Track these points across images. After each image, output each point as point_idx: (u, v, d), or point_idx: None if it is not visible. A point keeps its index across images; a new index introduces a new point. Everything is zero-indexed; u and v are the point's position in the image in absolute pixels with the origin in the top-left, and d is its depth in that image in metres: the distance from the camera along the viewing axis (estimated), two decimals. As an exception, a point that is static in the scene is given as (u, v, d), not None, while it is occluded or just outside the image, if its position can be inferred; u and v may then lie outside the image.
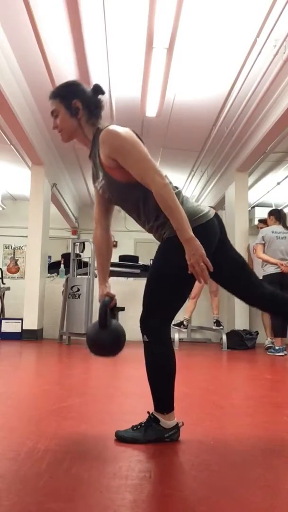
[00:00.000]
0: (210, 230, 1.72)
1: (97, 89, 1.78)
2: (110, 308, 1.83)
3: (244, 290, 1.89)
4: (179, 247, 1.59)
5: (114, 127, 1.67)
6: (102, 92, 1.78)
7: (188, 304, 5.78)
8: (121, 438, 1.71)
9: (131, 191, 1.71)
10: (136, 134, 1.71)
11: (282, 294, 1.92)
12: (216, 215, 1.79)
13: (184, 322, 5.93)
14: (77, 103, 1.73)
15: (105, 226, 1.94)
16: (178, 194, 1.70)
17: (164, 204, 1.59)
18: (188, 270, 1.59)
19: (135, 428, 1.73)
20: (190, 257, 1.57)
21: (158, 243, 1.81)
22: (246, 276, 1.87)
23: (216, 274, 1.70)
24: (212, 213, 1.75)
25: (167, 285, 1.68)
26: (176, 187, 1.73)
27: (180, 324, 5.85)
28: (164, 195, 1.58)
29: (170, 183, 1.67)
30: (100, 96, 1.79)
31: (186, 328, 6.22)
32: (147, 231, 1.84)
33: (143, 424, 1.73)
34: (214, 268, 1.61)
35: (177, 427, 1.73)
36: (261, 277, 5.51)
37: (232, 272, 1.85)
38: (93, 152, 1.78)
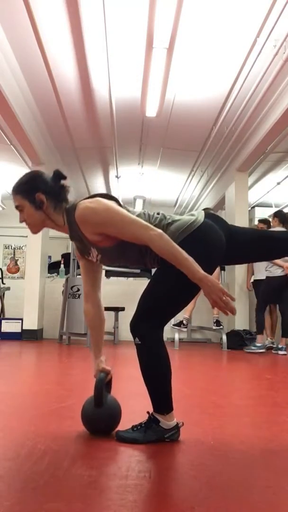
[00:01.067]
0: (207, 231, 1.71)
1: (58, 176, 1.77)
2: (105, 383, 1.84)
3: (277, 251, 1.90)
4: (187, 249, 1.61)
5: (85, 205, 1.67)
6: (64, 178, 1.77)
7: None
8: (122, 439, 1.71)
9: (130, 246, 1.70)
10: (105, 196, 1.71)
11: None
12: (211, 215, 1.79)
13: (184, 322, 5.93)
14: (40, 196, 1.71)
15: (97, 299, 1.94)
16: (163, 218, 1.73)
17: (166, 253, 1.60)
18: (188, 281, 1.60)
19: (135, 429, 1.73)
20: (210, 295, 1.58)
21: None
22: (270, 242, 1.87)
23: (244, 259, 1.72)
24: (201, 216, 1.75)
25: (165, 295, 1.70)
26: (158, 213, 1.76)
27: (180, 324, 5.85)
28: (164, 245, 1.59)
29: (153, 215, 1.72)
30: (62, 181, 1.77)
31: (186, 328, 6.22)
32: (151, 267, 1.82)
33: (143, 425, 1.73)
34: (239, 258, 1.64)
35: (177, 427, 1.73)
36: (261, 279, 5.53)
37: (256, 250, 1.87)
38: (73, 232, 1.76)
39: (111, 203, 1.68)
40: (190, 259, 1.58)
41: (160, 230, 1.61)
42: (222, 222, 1.81)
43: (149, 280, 1.81)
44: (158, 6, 3.41)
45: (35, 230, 1.80)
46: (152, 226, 1.63)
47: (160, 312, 1.72)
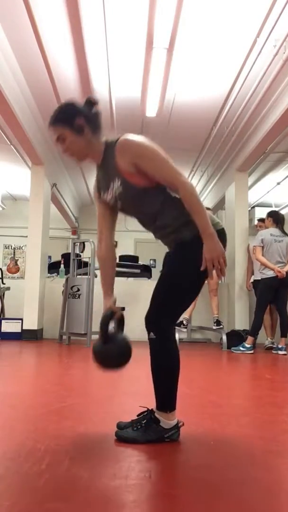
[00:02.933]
0: (223, 240, 1.80)
1: (91, 101, 1.79)
2: (118, 321, 1.84)
3: None
4: (196, 251, 1.66)
5: (132, 136, 1.72)
6: (96, 103, 1.80)
7: None
8: (121, 438, 1.72)
9: (149, 196, 1.75)
10: None
11: None
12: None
13: (184, 322, 5.93)
14: (80, 120, 1.73)
15: (110, 241, 1.95)
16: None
17: (190, 202, 1.67)
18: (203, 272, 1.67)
19: (135, 428, 1.73)
20: (209, 251, 1.65)
21: (159, 242, 1.87)
22: None
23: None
24: (222, 225, 1.85)
25: (184, 287, 1.74)
26: None
27: (179, 324, 5.85)
28: (193, 193, 1.68)
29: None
30: (95, 108, 1.80)
31: (186, 328, 6.22)
32: (157, 237, 1.87)
33: (143, 424, 1.73)
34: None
35: (177, 427, 1.73)
36: (259, 279, 5.54)
37: None
38: (104, 162, 1.79)
39: (155, 145, 1.74)
40: (208, 214, 1.68)
41: (193, 185, 1.70)
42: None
43: (161, 275, 1.81)
44: (158, 6, 3.41)
45: (80, 158, 1.80)
46: (185, 176, 1.69)
47: (175, 306, 1.76)
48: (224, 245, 1.78)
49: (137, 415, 1.78)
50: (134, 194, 1.76)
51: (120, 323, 1.86)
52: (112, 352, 1.80)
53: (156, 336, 1.70)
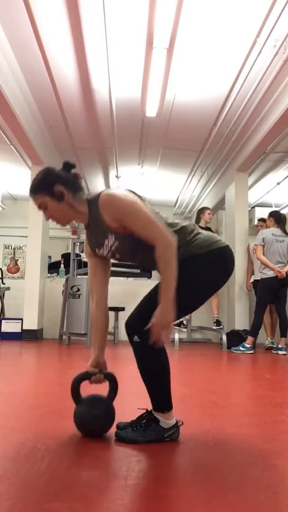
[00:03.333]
0: (227, 255, 1.80)
1: (67, 166, 1.80)
2: (110, 383, 1.84)
3: None
4: (197, 269, 1.70)
5: (112, 192, 1.70)
6: (73, 166, 1.81)
7: None
8: (121, 439, 1.71)
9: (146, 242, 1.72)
10: (134, 193, 1.73)
11: None
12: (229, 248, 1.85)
13: (184, 322, 5.92)
14: (59, 187, 1.73)
15: (104, 302, 1.93)
16: (194, 229, 1.78)
17: (164, 263, 1.59)
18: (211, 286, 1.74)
19: (134, 428, 1.73)
20: (162, 315, 1.57)
21: None
22: None
23: None
24: (224, 242, 1.83)
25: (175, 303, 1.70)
26: (190, 224, 1.81)
27: (179, 324, 5.84)
28: (168, 255, 1.58)
29: (184, 226, 1.76)
30: (73, 170, 1.81)
31: (186, 328, 6.22)
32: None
33: (143, 424, 1.73)
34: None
35: (176, 426, 1.74)
36: (259, 279, 5.54)
37: None
38: (92, 221, 1.77)
39: (137, 198, 1.70)
40: (174, 285, 1.58)
41: (173, 242, 1.60)
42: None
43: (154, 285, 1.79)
44: (158, 6, 3.41)
45: (64, 223, 1.81)
46: (168, 234, 1.62)
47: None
48: (229, 265, 1.79)
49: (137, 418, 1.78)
50: (131, 245, 1.74)
51: (113, 388, 1.84)
52: (81, 416, 1.78)
53: (140, 339, 1.67)
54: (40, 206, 1.76)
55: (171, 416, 1.73)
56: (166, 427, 1.71)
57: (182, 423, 1.76)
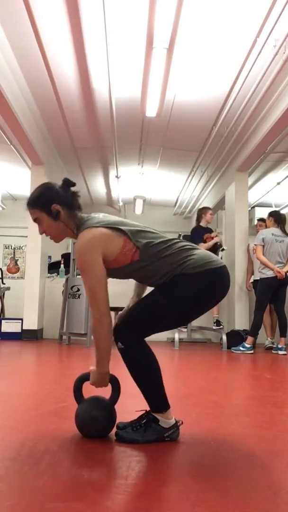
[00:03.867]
0: (221, 277, 1.78)
1: (67, 183, 1.80)
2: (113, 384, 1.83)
3: None
4: (190, 285, 1.69)
5: (81, 240, 1.67)
6: (73, 185, 1.81)
7: None
8: (121, 439, 1.72)
9: (137, 269, 1.75)
10: (111, 227, 1.70)
11: None
12: (225, 268, 1.83)
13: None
14: (56, 206, 1.75)
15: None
16: (176, 243, 1.76)
17: (94, 337, 1.69)
18: (191, 302, 1.72)
19: (134, 428, 1.73)
20: (94, 382, 1.75)
21: None
22: None
23: None
24: (220, 262, 1.81)
25: (162, 315, 1.73)
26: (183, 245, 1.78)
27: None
28: (97, 331, 1.67)
29: (174, 243, 1.75)
30: (72, 189, 1.81)
31: (186, 328, 6.22)
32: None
33: (142, 424, 1.73)
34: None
35: (176, 426, 1.74)
36: (258, 279, 5.54)
37: None
38: None
39: (95, 250, 1.65)
40: (107, 354, 1.69)
41: (104, 319, 1.65)
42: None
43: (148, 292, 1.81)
44: (158, 6, 3.41)
45: (57, 240, 1.85)
46: (104, 310, 1.66)
47: (147, 328, 1.74)
48: (221, 288, 1.78)
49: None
50: (121, 273, 1.78)
51: (115, 386, 1.84)
52: (80, 417, 1.78)
53: (124, 346, 1.69)
54: (35, 220, 1.80)
55: (170, 415, 1.74)
56: (166, 427, 1.72)
57: (182, 422, 1.77)
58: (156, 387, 1.73)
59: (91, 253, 1.65)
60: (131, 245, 1.70)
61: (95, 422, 1.76)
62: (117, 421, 1.81)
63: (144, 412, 1.77)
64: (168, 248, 1.73)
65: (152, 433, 1.71)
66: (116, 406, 1.84)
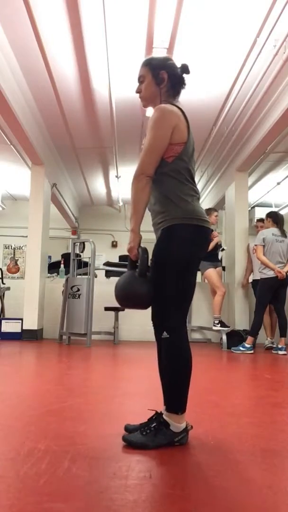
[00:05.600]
0: (204, 234, 1.80)
1: (185, 69, 1.91)
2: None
3: None
4: (176, 237, 1.72)
5: (162, 107, 1.79)
6: (188, 72, 1.91)
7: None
8: (130, 444, 1.67)
9: (164, 171, 1.79)
10: (186, 119, 1.83)
11: None
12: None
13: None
14: (164, 74, 1.87)
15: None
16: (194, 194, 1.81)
17: (132, 189, 1.76)
18: (189, 257, 1.73)
19: (144, 433, 1.68)
20: (129, 242, 1.78)
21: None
22: None
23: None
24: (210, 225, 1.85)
25: (174, 274, 1.72)
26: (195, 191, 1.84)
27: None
28: (133, 183, 1.76)
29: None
30: (185, 75, 1.92)
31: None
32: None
33: (152, 428, 1.68)
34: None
35: (186, 431, 1.71)
36: (258, 279, 5.54)
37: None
38: None
39: (169, 124, 1.75)
40: (139, 213, 1.75)
41: (143, 178, 1.74)
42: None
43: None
44: (158, 6, 3.41)
45: (144, 103, 1.96)
46: (147, 171, 1.74)
47: (180, 294, 1.74)
48: (202, 241, 1.79)
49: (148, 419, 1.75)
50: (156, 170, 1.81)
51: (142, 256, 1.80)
52: (145, 290, 1.75)
53: (169, 335, 1.69)
54: (139, 78, 1.93)
55: (183, 419, 1.71)
56: (177, 431, 1.68)
57: (192, 427, 1.74)
58: (184, 384, 1.72)
59: (169, 117, 1.76)
60: (180, 150, 1.78)
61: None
62: (125, 421, 1.80)
63: (154, 414, 1.73)
64: (183, 183, 1.79)
65: (162, 438, 1.66)
66: (118, 406, 1.84)
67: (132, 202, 1.75)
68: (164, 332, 1.70)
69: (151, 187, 1.77)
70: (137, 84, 1.98)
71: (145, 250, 1.76)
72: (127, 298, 1.79)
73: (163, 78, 1.86)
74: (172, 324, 1.71)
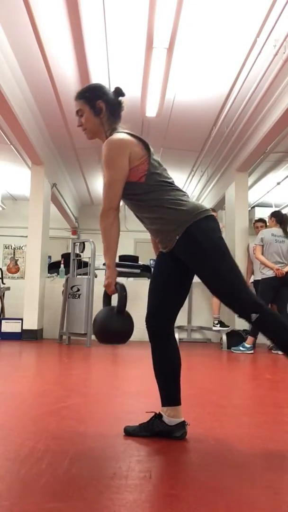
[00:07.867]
0: (214, 219, 1.83)
1: (118, 92, 1.92)
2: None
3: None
4: (197, 235, 1.72)
5: (110, 142, 1.76)
6: (123, 95, 1.92)
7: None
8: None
9: (137, 192, 1.79)
10: (137, 137, 1.81)
11: None
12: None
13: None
14: (101, 103, 1.86)
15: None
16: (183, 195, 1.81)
17: (100, 224, 1.76)
18: (219, 241, 1.79)
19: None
20: (106, 278, 1.78)
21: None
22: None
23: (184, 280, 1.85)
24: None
25: (227, 258, 1.78)
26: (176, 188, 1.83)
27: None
28: (102, 218, 1.76)
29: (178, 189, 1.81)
30: (120, 98, 1.93)
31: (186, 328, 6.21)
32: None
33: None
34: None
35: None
36: (259, 279, 5.54)
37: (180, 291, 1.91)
38: None
39: (122, 152, 1.74)
40: (112, 247, 1.76)
41: (111, 213, 1.74)
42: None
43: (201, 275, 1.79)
44: (158, 6, 3.41)
45: (90, 136, 1.96)
46: (113, 205, 1.74)
47: (243, 280, 1.79)
48: (217, 226, 1.82)
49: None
50: (128, 194, 1.82)
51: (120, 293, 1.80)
52: (122, 326, 1.78)
53: (259, 314, 1.68)
54: (78, 112, 1.92)
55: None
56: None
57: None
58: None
59: (119, 149, 1.75)
60: (146, 167, 1.76)
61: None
62: (125, 423, 1.83)
63: (154, 415, 1.79)
64: (168, 190, 1.78)
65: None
66: (118, 405, 1.84)
67: (104, 239, 1.76)
68: (252, 315, 1.68)
69: (121, 219, 1.79)
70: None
71: (123, 287, 1.77)
72: (107, 336, 1.82)
73: (100, 108, 1.86)
74: (251, 302, 1.70)
